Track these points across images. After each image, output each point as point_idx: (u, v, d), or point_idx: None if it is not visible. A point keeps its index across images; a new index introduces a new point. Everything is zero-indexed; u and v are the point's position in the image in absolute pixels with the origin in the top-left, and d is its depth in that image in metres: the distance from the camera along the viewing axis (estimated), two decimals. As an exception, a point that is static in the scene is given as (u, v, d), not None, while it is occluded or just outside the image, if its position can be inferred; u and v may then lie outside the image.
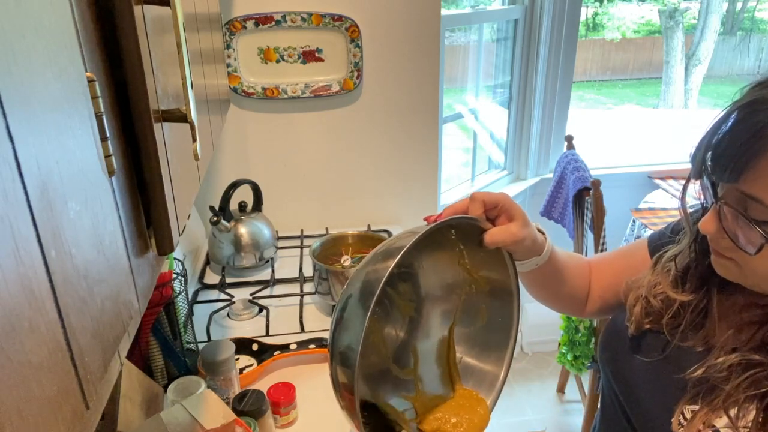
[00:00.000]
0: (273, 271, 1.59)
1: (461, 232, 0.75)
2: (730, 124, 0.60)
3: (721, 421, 0.62)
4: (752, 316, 0.67)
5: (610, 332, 0.83)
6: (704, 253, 0.73)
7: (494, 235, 0.71)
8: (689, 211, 0.74)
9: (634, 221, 2.25)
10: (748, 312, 0.68)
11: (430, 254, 0.77)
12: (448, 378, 0.80)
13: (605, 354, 0.83)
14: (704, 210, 0.70)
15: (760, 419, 0.60)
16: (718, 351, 0.67)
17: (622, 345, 0.79)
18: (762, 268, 0.61)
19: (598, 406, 0.88)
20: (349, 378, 0.61)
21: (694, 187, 0.68)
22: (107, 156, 0.41)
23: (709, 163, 0.62)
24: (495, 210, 0.72)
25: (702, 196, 0.68)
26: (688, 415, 0.66)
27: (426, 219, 0.69)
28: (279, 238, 1.73)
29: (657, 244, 0.83)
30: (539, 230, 0.79)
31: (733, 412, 0.62)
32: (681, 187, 0.71)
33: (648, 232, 2.12)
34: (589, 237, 1.97)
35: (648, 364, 0.74)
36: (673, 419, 0.67)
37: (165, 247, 0.54)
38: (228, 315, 1.40)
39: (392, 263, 0.61)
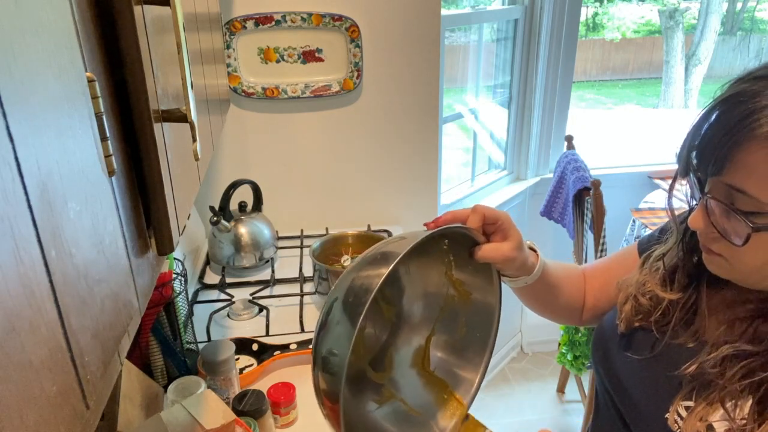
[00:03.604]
0: (273, 271, 1.59)
1: (454, 242, 0.75)
2: (712, 119, 0.61)
3: (716, 416, 0.63)
4: (742, 311, 0.68)
5: (602, 331, 0.84)
6: (691, 251, 0.74)
7: (486, 250, 0.72)
8: (676, 212, 0.74)
9: (634, 221, 2.25)
10: (738, 308, 0.69)
11: (418, 261, 0.77)
12: (419, 387, 0.79)
13: (597, 353, 0.83)
14: (690, 210, 0.71)
15: (756, 409, 0.61)
16: (711, 347, 0.67)
17: (613, 343, 0.80)
18: (750, 260, 0.61)
19: (593, 405, 0.89)
20: (334, 385, 0.60)
21: (682, 190, 0.69)
22: (107, 156, 0.41)
23: (694, 159, 0.63)
24: (493, 226, 0.73)
25: (689, 195, 0.69)
26: (683, 412, 0.66)
27: (426, 225, 0.70)
28: (279, 238, 1.73)
29: (646, 246, 0.84)
30: (532, 248, 0.81)
31: (729, 404, 0.62)
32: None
33: (648, 233, 2.12)
34: (589, 237, 1.97)
35: (639, 361, 0.75)
36: (668, 416, 0.67)
37: (165, 247, 0.54)
38: (228, 315, 1.39)
39: (385, 272, 0.59)
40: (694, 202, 0.69)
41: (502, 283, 0.80)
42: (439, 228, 0.68)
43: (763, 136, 0.55)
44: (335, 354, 0.61)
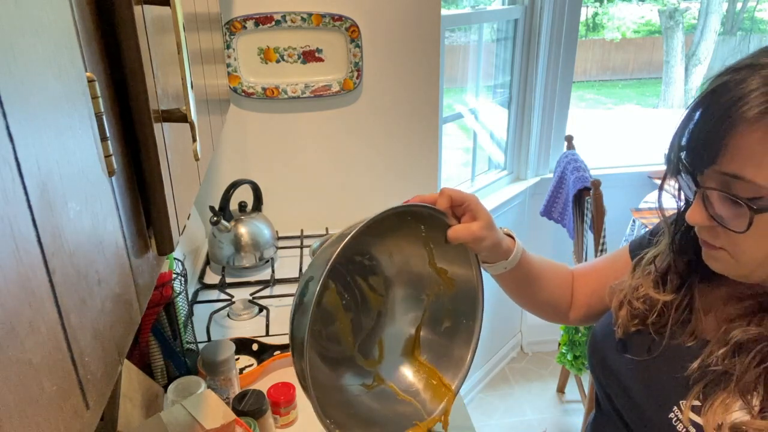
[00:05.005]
0: (273, 271, 1.59)
1: (431, 229, 0.77)
2: (698, 114, 0.61)
3: (735, 407, 0.62)
4: (739, 308, 0.68)
5: (597, 337, 0.84)
6: (682, 251, 0.74)
7: (456, 231, 0.74)
8: (666, 213, 0.74)
9: (634, 221, 2.25)
10: (735, 304, 0.69)
11: (401, 251, 0.80)
12: (409, 374, 0.82)
13: (594, 358, 0.83)
14: (680, 211, 0.72)
15: None
16: (714, 344, 0.67)
17: (610, 348, 0.79)
18: (754, 250, 0.60)
19: (594, 407, 0.89)
20: (305, 378, 0.62)
21: (671, 191, 0.69)
22: (107, 156, 0.41)
23: (685, 155, 0.63)
24: (461, 208, 0.76)
25: (680, 195, 0.69)
26: (691, 413, 0.65)
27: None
28: (279, 238, 1.73)
29: (637, 251, 0.84)
30: (509, 235, 0.82)
31: (747, 394, 0.62)
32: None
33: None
34: (589, 237, 1.97)
35: (639, 362, 0.74)
36: (671, 415, 0.67)
37: (165, 247, 0.54)
38: (228, 315, 1.39)
39: (344, 240, 0.62)
40: (682, 202, 0.70)
41: (490, 275, 0.82)
42: (404, 204, 0.70)
43: (754, 118, 0.55)
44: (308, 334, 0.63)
